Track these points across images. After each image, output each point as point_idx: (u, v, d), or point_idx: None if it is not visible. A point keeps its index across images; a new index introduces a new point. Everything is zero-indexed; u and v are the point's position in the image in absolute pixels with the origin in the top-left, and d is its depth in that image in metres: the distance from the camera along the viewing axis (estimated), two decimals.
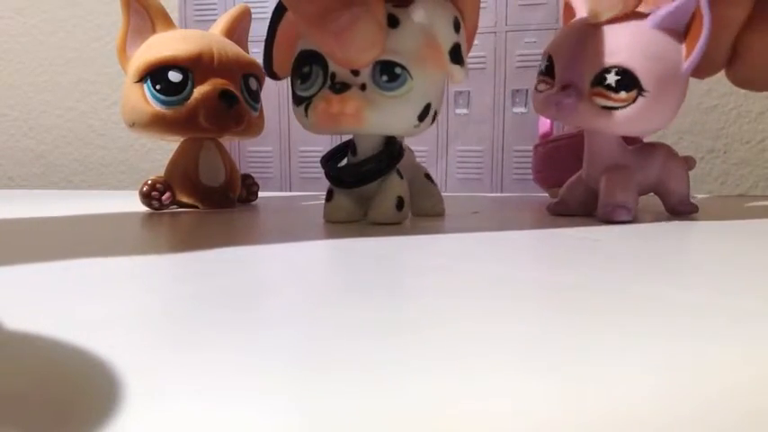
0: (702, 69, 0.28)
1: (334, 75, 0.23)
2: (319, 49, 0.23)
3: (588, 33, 0.25)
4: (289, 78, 0.26)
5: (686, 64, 0.24)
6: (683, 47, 0.24)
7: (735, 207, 0.34)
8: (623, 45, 0.24)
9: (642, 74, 0.24)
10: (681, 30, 0.24)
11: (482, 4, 0.51)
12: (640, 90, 0.24)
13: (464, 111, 0.53)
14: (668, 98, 0.24)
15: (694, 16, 0.24)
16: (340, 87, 0.22)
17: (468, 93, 0.52)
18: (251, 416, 0.07)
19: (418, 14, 0.22)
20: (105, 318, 0.11)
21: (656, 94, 0.24)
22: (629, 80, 0.24)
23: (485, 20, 0.49)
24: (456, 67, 0.23)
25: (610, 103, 0.24)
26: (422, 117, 0.24)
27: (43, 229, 0.25)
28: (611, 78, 0.24)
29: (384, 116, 0.23)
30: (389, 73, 0.23)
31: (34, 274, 0.15)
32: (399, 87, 0.23)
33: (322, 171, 0.27)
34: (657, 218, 0.28)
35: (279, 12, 0.24)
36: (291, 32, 0.25)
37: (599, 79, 0.24)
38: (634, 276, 0.15)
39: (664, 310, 0.11)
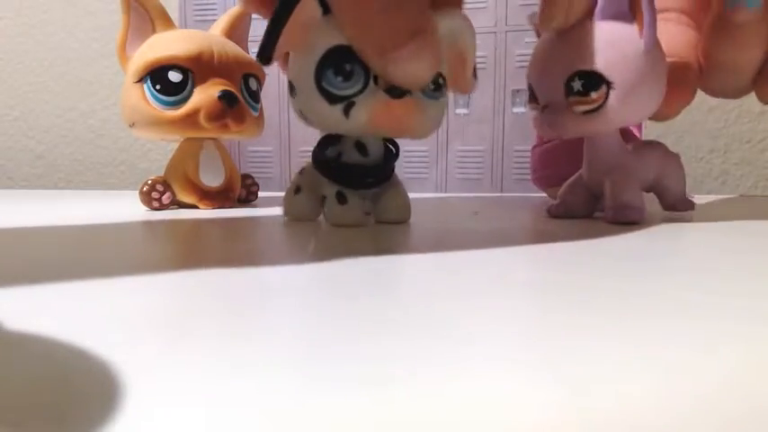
0: (726, 92, 0.29)
1: (377, 77, 0.22)
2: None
3: (550, 52, 0.26)
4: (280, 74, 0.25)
5: (644, 40, 0.24)
6: (635, 27, 0.24)
7: (735, 207, 0.34)
8: (576, 51, 0.25)
9: (601, 68, 0.24)
10: (626, 10, 0.24)
11: (482, 4, 0.51)
12: (608, 84, 0.24)
13: (464, 111, 0.53)
14: (641, 79, 0.24)
15: None
16: (400, 93, 0.22)
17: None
18: (250, 416, 0.07)
19: (448, 26, 0.23)
20: (105, 318, 0.11)
21: (625, 81, 0.24)
22: (592, 80, 0.24)
23: (485, 20, 0.48)
24: (473, 80, 0.25)
25: (589, 107, 0.25)
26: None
27: (43, 229, 0.25)
28: (577, 84, 0.25)
29: (428, 122, 0.24)
30: (436, 83, 0.23)
31: (34, 274, 0.15)
32: (442, 96, 0.24)
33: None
34: (657, 217, 0.28)
35: None
36: (300, 19, 0.22)
37: (569, 89, 0.25)
38: (634, 276, 0.15)
39: (664, 310, 0.11)
